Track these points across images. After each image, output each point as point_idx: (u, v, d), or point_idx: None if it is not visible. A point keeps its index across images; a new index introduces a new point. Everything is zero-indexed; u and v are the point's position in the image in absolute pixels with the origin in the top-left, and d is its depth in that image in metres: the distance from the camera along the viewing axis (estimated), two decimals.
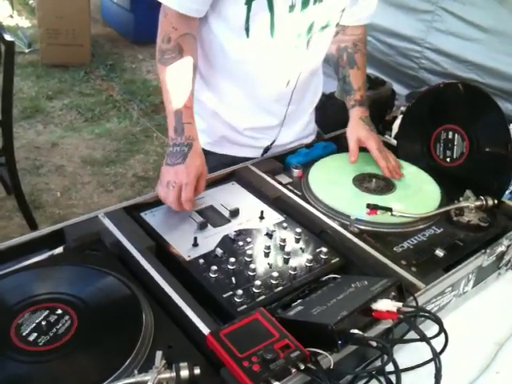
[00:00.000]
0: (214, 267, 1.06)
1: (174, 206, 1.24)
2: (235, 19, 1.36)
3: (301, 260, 1.12)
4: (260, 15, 1.34)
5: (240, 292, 1.00)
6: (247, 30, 1.37)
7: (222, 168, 1.47)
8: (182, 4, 1.29)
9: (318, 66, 1.61)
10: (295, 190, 1.38)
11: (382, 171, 1.45)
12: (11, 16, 5.88)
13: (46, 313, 0.92)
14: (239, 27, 1.37)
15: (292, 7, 1.35)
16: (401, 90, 3.03)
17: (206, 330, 0.91)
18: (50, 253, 1.11)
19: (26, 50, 5.23)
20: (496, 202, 1.30)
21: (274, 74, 1.48)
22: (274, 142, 1.61)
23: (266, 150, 1.62)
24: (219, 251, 1.12)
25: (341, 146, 1.60)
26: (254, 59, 1.44)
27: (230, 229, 1.21)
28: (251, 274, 1.06)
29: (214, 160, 1.56)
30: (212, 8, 1.36)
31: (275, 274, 1.05)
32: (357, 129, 1.53)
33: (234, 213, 1.26)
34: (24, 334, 0.88)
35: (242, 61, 1.45)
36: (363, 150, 1.51)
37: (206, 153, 1.36)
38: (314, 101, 1.69)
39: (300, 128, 1.67)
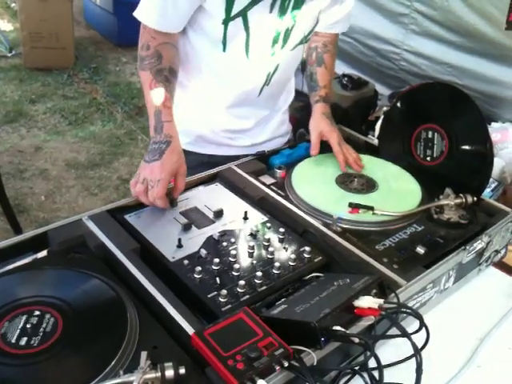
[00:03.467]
0: (199, 268, 1.06)
1: (146, 202, 1.25)
2: (213, 34, 1.41)
3: (284, 259, 1.13)
4: (237, 34, 1.39)
5: (224, 292, 1.01)
6: (224, 44, 1.42)
7: (203, 167, 1.49)
8: (160, 22, 1.34)
9: (290, 74, 1.65)
10: (279, 191, 1.40)
11: (340, 165, 1.48)
12: None
13: (31, 316, 0.93)
14: (217, 40, 1.41)
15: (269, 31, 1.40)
16: (383, 90, 3.06)
17: (190, 330, 0.92)
18: (34, 256, 1.11)
19: (8, 54, 5.19)
20: (475, 199, 1.33)
21: (245, 84, 1.53)
22: (252, 144, 1.65)
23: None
24: (203, 252, 1.13)
25: (323, 146, 1.62)
26: (228, 71, 1.49)
27: (214, 230, 1.21)
28: (235, 274, 1.07)
29: (194, 159, 1.58)
30: (191, 21, 1.40)
31: (259, 273, 1.06)
32: (319, 123, 1.56)
33: (218, 214, 1.27)
34: (9, 337, 0.89)
35: (215, 71, 1.50)
36: None
37: (186, 153, 1.38)
38: (287, 101, 1.73)
39: (274, 126, 1.70)
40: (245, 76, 1.51)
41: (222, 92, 1.55)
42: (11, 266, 1.08)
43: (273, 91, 1.59)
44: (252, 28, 1.38)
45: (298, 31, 1.46)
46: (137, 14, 1.35)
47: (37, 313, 0.93)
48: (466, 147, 1.40)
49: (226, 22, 1.36)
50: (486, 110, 2.39)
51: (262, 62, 1.48)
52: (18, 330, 0.90)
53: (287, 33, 1.44)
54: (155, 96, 1.32)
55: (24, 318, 0.92)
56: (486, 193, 1.75)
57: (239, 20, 1.36)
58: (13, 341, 0.88)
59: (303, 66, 1.72)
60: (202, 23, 1.40)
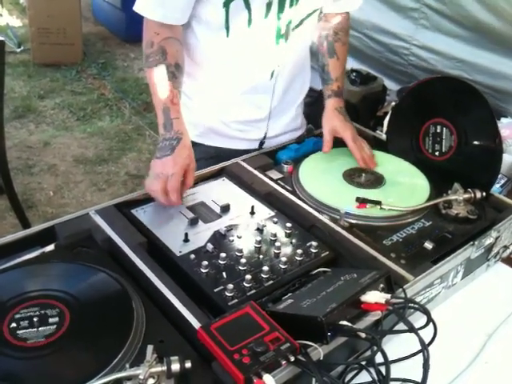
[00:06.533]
0: (205, 262, 1.06)
1: (160, 198, 1.24)
2: (215, 21, 1.40)
3: (291, 254, 1.13)
4: (239, 15, 1.38)
5: (231, 286, 1.01)
6: (227, 29, 1.41)
7: (208, 160, 1.48)
8: (161, 13, 1.34)
9: (302, 58, 1.62)
10: (286, 186, 1.39)
11: (357, 162, 1.46)
12: (1, 15, 5.85)
13: (38, 309, 0.93)
14: (219, 28, 1.41)
15: (269, 5, 1.37)
16: (392, 85, 3.04)
17: (196, 324, 0.92)
18: (41, 250, 1.12)
19: (17, 50, 5.20)
20: (484, 194, 1.32)
21: (255, 68, 1.51)
22: (265, 136, 1.63)
23: (261, 143, 1.65)
24: (210, 246, 1.13)
25: (335, 141, 1.61)
26: (235, 56, 1.48)
27: (220, 224, 1.21)
28: (242, 268, 1.07)
29: (202, 152, 1.58)
30: (193, 11, 1.39)
31: (266, 268, 1.06)
32: (332, 119, 1.55)
33: (225, 208, 1.27)
34: (16, 330, 0.89)
35: (223, 59, 1.49)
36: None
37: (195, 144, 1.37)
38: (300, 94, 1.70)
39: (287, 120, 1.68)
40: (252, 59, 1.48)
41: (233, 78, 1.53)
42: (19, 260, 1.08)
43: (285, 73, 1.55)
44: (254, 5, 1.36)
45: (303, 5, 1.43)
46: (136, 7, 1.35)
47: (43, 306, 0.94)
48: (475, 142, 1.39)
49: (226, 5, 1.35)
50: (495, 106, 2.36)
51: (269, 41, 1.45)
52: (26, 323, 0.90)
53: (292, 3, 1.40)
54: (162, 92, 1.31)
55: (31, 311, 0.93)
56: (495, 189, 1.73)
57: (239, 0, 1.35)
58: (20, 334, 0.88)
59: (316, 55, 1.68)
60: (204, 11, 1.39)
